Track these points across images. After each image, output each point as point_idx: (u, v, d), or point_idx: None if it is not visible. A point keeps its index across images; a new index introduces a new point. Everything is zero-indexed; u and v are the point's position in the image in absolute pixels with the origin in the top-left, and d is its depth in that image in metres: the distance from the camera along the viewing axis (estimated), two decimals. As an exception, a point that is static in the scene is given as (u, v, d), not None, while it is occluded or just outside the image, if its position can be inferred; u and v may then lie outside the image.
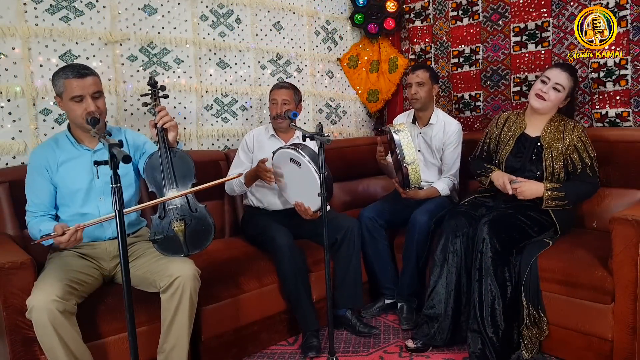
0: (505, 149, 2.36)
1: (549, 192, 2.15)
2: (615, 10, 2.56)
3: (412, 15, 3.58)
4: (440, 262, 2.21)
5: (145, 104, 2.05)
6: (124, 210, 1.39)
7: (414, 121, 2.87)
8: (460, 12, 3.28)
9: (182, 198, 1.90)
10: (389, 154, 2.63)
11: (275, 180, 2.37)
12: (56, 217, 1.92)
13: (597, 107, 2.71)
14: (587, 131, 2.30)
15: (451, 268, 2.17)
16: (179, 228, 1.87)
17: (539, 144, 2.29)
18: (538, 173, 2.25)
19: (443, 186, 2.71)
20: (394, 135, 2.25)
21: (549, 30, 2.86)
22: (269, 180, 2.35)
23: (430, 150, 2.81)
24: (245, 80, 3.13)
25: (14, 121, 2.28)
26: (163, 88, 2.05)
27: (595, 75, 2.68)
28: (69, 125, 1.95)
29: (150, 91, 2.03)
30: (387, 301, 2.67)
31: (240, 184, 2.50)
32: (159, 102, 2.03)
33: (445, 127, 2.76)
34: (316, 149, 2.02)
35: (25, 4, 2.28)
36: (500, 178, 2.26)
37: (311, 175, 2.13)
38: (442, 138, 2.76)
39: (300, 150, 2.17)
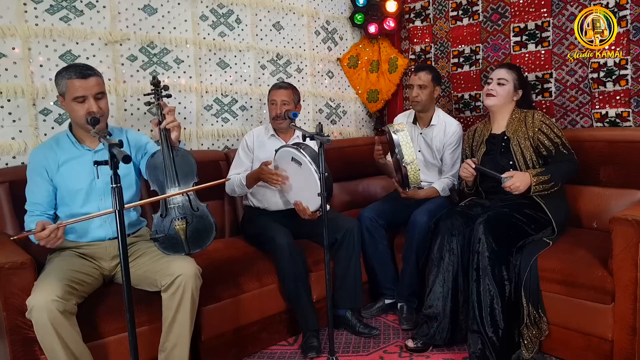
0: (479, 152, 2.45)
1: (535, 178, 2.17)
2: (615, 10, 2.56)
3: (412, 15, 3.58)
4: (437, 261, 2.21)
5: (147, 103, 2.05)
6: (124, 205, 1.39)
7: (415, 121, 2.87)
8: (460, 12, 3.28)
9: (184, 197, 1.90)
10: (389, 154, 2.63)
11: (280, 183, 2.36)
12: (55, 218, 1.92)
13: (597, 107, 2.71)
14: (552, 118, 2.45)
15: (448, 267, 2.18)
16: (180, 227, 1.87)
17: (505, 137, 2.37)
18: (510, 163, 2.32)
19: (443, 186, 2.71)
20: (393, 135, 2.25)
21: (549, 30, 2.86)
22: (275, 184, 2.35)
23: (430, 150, 2.81)
24: (245, 80, 3.13)
25: (14, 121, 2.29)
26: (166, 87, 2.06)
27: (595, 75, 2.68)
28: (70, 124, 1.95)
29: (152, 90, 2.03)
30: (387, 301, 2.67)
31: (241, 185, 2.50)
32: (162, 100, 2.02)
33: (446, 128, 2.75)
34: (317, 149, 2.02)
35: (25, 4, 2.28)
36: (462, 168, 2.35)
37: (311, 176, 2.13)
38: (443, 139, 2.76)
39: (302, 150, 2.18)
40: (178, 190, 1.87)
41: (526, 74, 2.96)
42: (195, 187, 1.87)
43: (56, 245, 1.69)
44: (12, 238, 1.73)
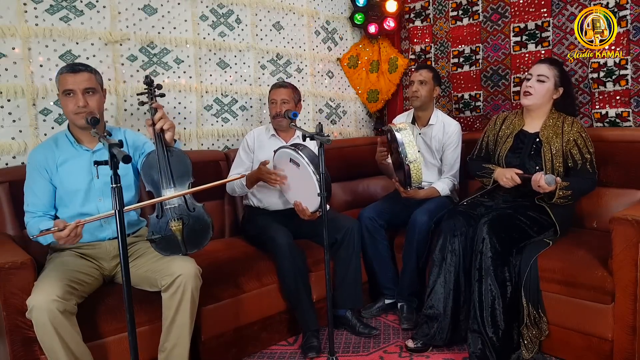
0: (504, 146, 2.36)
1: (561, 192, 2.11)
2: (615, 10, 2.56)
3: (412, 15, 3.58)
4: (439, 261, 2.21)
5: (141, 103, 2.03)
6: (124, 208, 1.39)
7: (413, 121, 2.87)
8: (460, 12, 3.28)
9: (180, 197, 1.89)
10: (388, 155, 2.63)
11: (279, 182, 2.36)
12: (55, 218, 1.92)
13: (597, 107, 2.71)
14: (586, 130, 2.30)
15: (450, 268, 2.18)
16: (176, 227, 1.86)
17: (537, 139, 2.29)
18: (537, 168, 2.25)
19: (443, 186, 2.71)
20: (396, 133, 2.25)
21: (549, 30, 2.86)
22: (273, 184, 2.35)
23: (429, 150, 2.81)
24: (245, 80, 3.13)
25: (14, 121, 2.29)
26: (159, 87, 2.04)
27: (595, 75, 2.68)
28: (69, 124, 1.95)
29: (146, 90, 2.02)
30: (387, 301, 2.67)
31: (242, 186, 2.50)
32: (156, 100, 2.00)
33: (445, 128, 2.76)
34: (316, 149, 2.02)
35: (25, 4, 2.28)
36: (506, 174, 2.22)
37: (309, 177, 2.13)
38: (442, 139, 2.76)
39: (299, 151, 2.18)
40: (173, 190, 1.86)
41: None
42: (194, 189, 1.86)
43: (74, 243, 1.68)
44: (32, 237, 1.74)
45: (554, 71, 2.27)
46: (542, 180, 2.06)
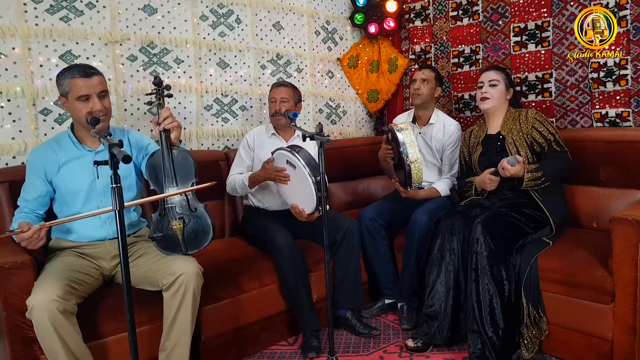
0: (476, 154, 2.45)
1: (530, 174, 2.16)
2: (615, 10, 2.56)
3: (412, 15, 3.58)
4: (438, 261, 2.21)
5: (149, 103, 2.04)
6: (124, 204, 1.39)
7: (414, 121, 2.88)
8: (460, 12, 3.28)
9: (182, 197, 1.89)
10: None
11: (288, 179, 2.33)
12: (47, 219, 1.91)
13: (597, 107, 2.71)
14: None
15: (449, 267, 2.18)
16: (177, 227, 1.86)
17: (501, 136, 2.37)
18: None
19: (443, 187, 2.72)
20: (398, 133, 2.26)
21: (549, 30, 2.86)
22: (284, 181, 2.32)
23: (430, 150, 2.81)
24: (245, 80, 3.13)
25: (14, 121, 2.29)
26: (168, 87, 2.04)
27: (595, 75, 2.68)
28: (72, 125, 1.95)
29: (155, 90, 2.02)
30: (387, 301, 2.67)
31: (243, 186, 2.50)
32: (163, 101, 2.01)
33: (445, 128, 2.76)
34: (313, 151, 2.01)
35: (25, 4, 2.28)
36: (484, 179, 2.30)
37: (305, 179, 2.13)
38: (442, 139, 2.76)
39: (296, 153, 2.17)
40: (176, 190, 1.87)
41: (526, 74, 2.97)
42: (190, 188, 1.86)
43: (37, 247, 1.66)
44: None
45: (502, 75, 2.42)
46: (505, 162, 2.15)
